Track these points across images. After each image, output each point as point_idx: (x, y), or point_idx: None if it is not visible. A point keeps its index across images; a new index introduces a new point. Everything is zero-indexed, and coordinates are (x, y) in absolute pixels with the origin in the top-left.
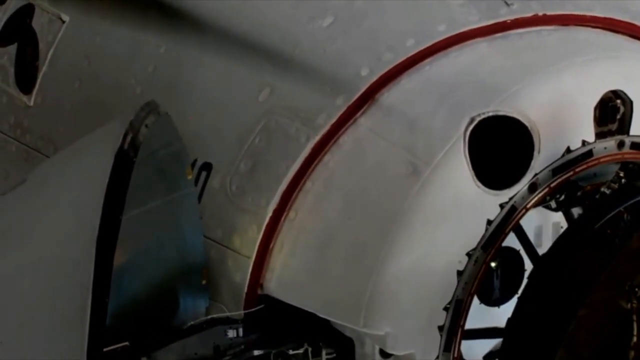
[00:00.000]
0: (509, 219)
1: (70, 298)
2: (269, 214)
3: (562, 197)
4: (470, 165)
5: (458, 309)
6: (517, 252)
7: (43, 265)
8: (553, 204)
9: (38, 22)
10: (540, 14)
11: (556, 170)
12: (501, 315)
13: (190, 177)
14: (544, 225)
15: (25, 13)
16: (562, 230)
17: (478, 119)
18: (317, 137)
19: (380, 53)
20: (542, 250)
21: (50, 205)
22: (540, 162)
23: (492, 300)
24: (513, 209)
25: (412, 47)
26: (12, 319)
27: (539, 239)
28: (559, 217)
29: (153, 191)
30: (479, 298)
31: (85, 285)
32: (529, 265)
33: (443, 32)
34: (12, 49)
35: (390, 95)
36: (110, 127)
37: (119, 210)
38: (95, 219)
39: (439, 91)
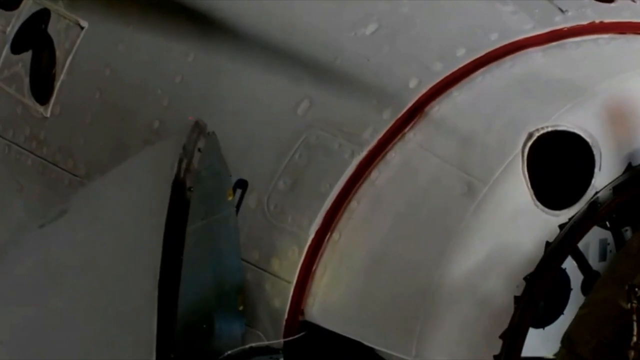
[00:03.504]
0: (569, 241)
1: (132, 352)
2: (311, 235)
3: (618, 216)
4: (529, 184)
5: (515, 336)
6: (563, 271)
7: (99, 314)
8: (608, 223)
9: (54, 28)
10: (597, 21)
11: (617, 189)
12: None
13: (230, 198)
14: (591, 243)
15: (40, 18)
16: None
17: (537, 134)
18: (363, 153)
19: (429, 63)
20: None
21: (102, 242)
22: (601, 180)
23: (537, 321)
24: (572, 229)
25: (463, 57)
26: None
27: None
28: (605, 234)
29: (193, 213)
30: None
31: (149, 341)
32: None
33: (495, 41)
34: (27, 56)
35: (440, 109)
36: (159, 151)
37: (180, 249)
38: (155, 261)
39: (493, 104)
